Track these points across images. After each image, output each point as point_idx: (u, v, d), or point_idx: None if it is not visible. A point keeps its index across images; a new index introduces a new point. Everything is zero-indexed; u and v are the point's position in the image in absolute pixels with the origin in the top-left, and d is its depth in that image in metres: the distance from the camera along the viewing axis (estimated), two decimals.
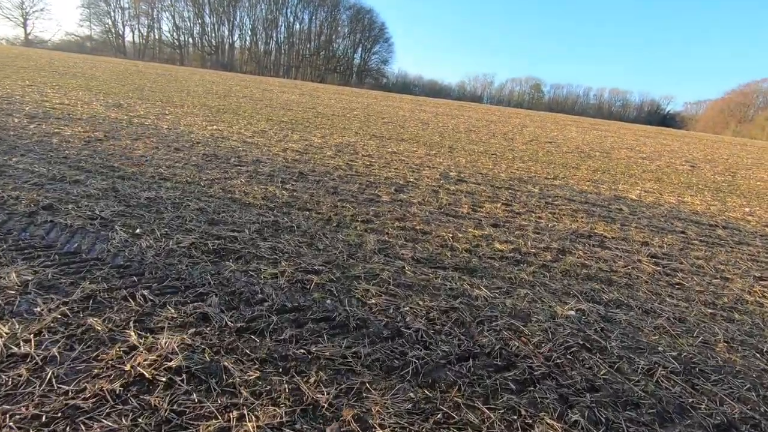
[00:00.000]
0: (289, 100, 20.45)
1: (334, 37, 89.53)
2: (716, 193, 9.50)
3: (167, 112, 11.43)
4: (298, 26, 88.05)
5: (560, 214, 6.03)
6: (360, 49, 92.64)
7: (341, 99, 26.90)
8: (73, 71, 21.68)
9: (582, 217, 6.00)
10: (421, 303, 3.06)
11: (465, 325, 2.86)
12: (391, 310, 2.93)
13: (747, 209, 8.11)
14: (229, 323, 2.56)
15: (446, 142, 12.61)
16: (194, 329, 2.47)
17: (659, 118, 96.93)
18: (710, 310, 3.55)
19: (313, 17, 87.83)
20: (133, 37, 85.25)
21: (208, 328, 2.50)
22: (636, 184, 9.30)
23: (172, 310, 2.61)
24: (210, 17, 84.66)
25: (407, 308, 2.98)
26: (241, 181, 5.66)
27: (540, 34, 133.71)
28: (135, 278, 2.95)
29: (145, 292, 2.77)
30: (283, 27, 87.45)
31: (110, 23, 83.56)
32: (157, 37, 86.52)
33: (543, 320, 3.01)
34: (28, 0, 76.81)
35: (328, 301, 2.95)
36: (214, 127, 9.97)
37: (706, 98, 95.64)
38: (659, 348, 2.87)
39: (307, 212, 4.78)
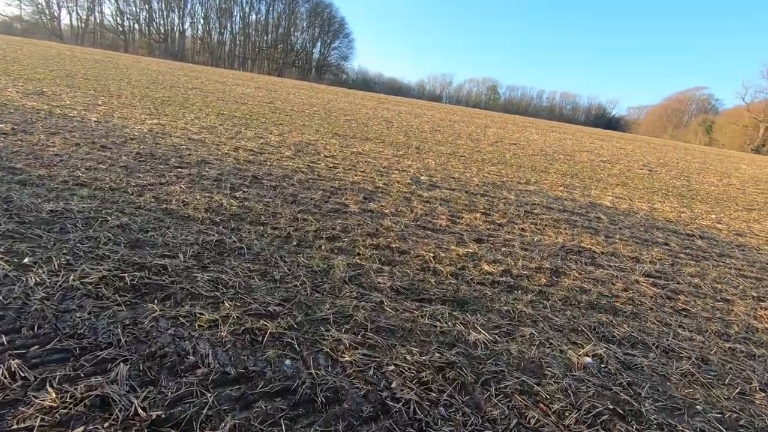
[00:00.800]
0: (243, 94, 19.13)
1: (292, 30, 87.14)
2: (680, 199, 9.53)
3: (100, 103, 10.05)
4: (254, 17, 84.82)
5: (543, 225, 5.57)
6: (319, 43, 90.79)
7: (300, 94, 25.73)
8: None
9: (565, 228, 5.56)
10: (409, 357, 2.37)
11: (467, 390, 2.21)
12: (372, 371, 2.23)
13: (713, 216, 8.09)
14: (140, 411, 1.76)
15: (413, 142, 12.02)
16: (83, 427, 1.65)
17: (605, 121, 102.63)
18: (728, 345, 3.13)
19: (271, 8, 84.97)
20: (71, 20, 78.70)
21: (107, 424, 1.69)
22: (606, 190, 9.13)
23: (53, 394, 1.77)
24: (158, 2, 79.68)
25: (392, 367, 2.29)
26: (180, 188, 4.73)
27: (498, 34, 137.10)
28: (4, 339, 2.06)
29: (16, 363, 1.90)
30: (238, 17, 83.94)
31: (43, 3, 76.60)
32: (98, 21, 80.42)
33: (559, 375, 2.42)
34: None
35: (288, 362, 2.20)
36: (155, 121, 8.79)
37: (647, 104, 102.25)
38: (697, 406, 2.36)
39: (261, 227, 3.97)
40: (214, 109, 12.32)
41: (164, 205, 4.13)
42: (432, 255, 3.92)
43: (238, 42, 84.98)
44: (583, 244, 5.00)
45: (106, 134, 6.81)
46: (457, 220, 5.19)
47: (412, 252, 3.94)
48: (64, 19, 79.06)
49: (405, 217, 4.95)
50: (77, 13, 78.63)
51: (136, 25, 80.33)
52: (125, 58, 35.00)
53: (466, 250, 4.20)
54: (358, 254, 3.71)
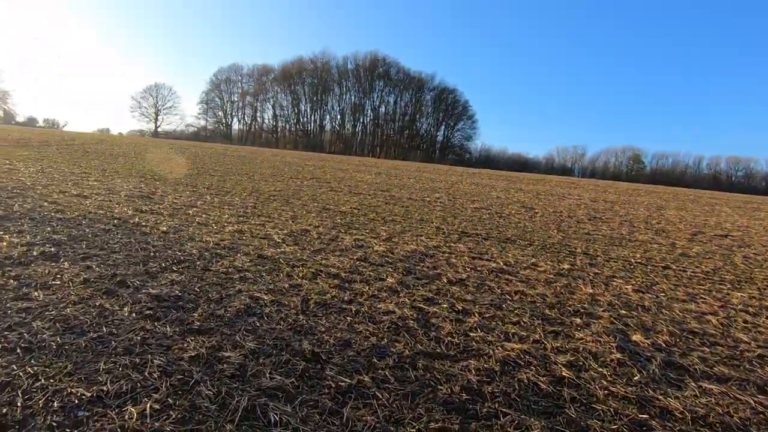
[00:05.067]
0: (361, 181, 17.96)
1: (417, 116, 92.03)
2: None
3: (199, 204, 9.02)
4: (383, 109, 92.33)
5: None
6: (443, 126, 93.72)
7: (421, 177, 24.11)
8: (151, 156, 21.85)
9: None
10: None
11: None
12: None
13: None
14: None
15: (574, 242, 8.43)
16: None
17: None
18: None
19: (398, 99, 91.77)
20: (239, 125, 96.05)
21: None
22: None
23: None
24: (304, 105, 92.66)
25: None
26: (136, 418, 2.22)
27: (636, 102, 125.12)
28: None
29: None
30: (369, 110, 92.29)
31: (221, 115, 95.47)
32: (259, 124, 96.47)
33: None
34: (161, 99, 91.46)
35: None
36: (237, 227, 7.09)
37: None
38: None
39: None
40: (320, 203, 10.68)
41: None
42: None
43: (368, 132, 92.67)
44: None
45: (152, 256, 5.03)
46: None
47: None
48: (235, 125, 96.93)
49: None
50: (244, 120, 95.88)
51: (287, 125, 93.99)
52: (267, 153, 38.91)
53: None
54: None
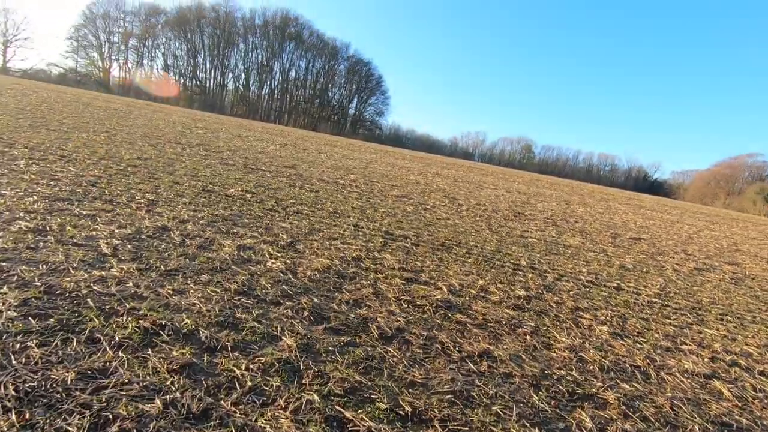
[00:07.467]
0: (262, 153, 15.20)
1: (330, 85, 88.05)
2: None
3: (6, 171, 5.90)
4: (293, 73, 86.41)
5: None
6: (356, 99, 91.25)
7: (333, 153, 21.88)
8: None
9: None
10: None
11: None
12: None
13: None
14: None
15: (513, 249, 7.22)
16: None
17: (647, 185, 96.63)
18: None
19: (310, 65, 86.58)
20: (119, 72, 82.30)
21: None
22: None
23: None
24: (203, 58, 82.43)
25: None
26: None
27: (534, 93, 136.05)
28: None
29: None
30: (278, 73, 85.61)
31: (97, 56, 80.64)
32: (147, 74, 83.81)
33: None
34: (12, 28, 73.89)
35: None
36: (50, 219, 4.41)
37: (693, 168, 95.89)
38: None
39: None
40: (201, 180, 8.05)
41: None
42: None
43: (276, 96, 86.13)
44: None
45: None
46: None
47: None
48: (115, 72, 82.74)
49: None
50: (126, 67, 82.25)
51: (181, 79, 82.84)
52: (150, 107, 32.96)
53: None
54: None
